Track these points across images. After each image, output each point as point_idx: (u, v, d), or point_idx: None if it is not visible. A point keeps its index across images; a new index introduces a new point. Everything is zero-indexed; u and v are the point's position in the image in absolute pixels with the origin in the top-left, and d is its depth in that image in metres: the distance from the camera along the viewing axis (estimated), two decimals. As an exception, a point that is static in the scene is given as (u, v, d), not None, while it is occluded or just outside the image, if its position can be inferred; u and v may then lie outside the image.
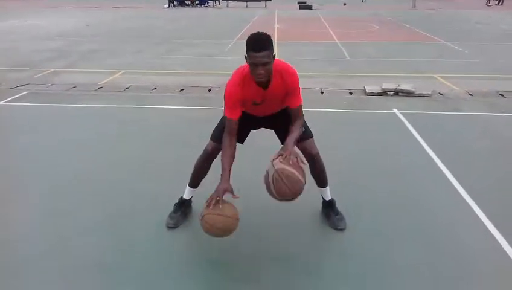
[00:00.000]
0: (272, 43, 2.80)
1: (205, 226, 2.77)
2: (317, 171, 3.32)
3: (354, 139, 5.31)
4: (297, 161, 2.76)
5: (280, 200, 2.78)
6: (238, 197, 2.80)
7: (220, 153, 3.03)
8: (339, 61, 10.62)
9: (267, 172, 2.75)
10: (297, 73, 3.02)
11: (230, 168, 2.90)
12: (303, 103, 3.07)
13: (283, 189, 2.69)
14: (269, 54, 2.76)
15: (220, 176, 2.84)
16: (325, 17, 23.08)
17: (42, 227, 3.43)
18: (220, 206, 2.73)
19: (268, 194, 2.78)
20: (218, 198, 2.73)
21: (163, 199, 3.67)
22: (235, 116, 2.96)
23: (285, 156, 2.75)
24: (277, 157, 2.76)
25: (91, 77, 8.78)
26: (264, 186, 2.78)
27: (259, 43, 2.75)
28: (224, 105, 3.00)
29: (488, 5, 32.31)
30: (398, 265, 2.96)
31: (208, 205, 2.74)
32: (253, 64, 2.77)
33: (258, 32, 2.84)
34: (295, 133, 2.97)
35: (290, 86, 2.97)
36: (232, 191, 2.81)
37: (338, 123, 6.02)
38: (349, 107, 6.70)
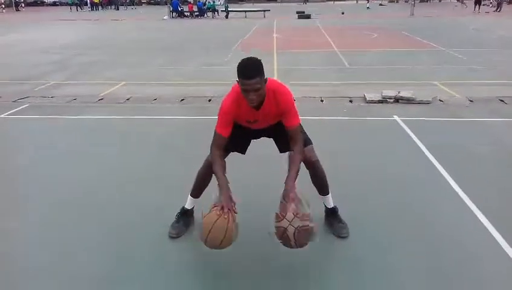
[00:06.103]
0: (262, 68, 2.80)
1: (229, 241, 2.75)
2: (317, 178, 3.32)
3: (355, 147, 5.30)
4: (297, 208, 2.73)
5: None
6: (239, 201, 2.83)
7: (212, 165, 3.02)
8: (338, 70, 10.62)
9: (283, 229, 2.69)
10: (292, 92, 3.04)
11: (225, 175, 2.93)
12: (301, 121, 3.07)
13: (305, 242, 2.74)
14: (260, 80, 2.77)
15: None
16: (323, 26, 23.19)
17: (45, 240, 3.41)
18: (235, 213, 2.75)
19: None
20: (229, 206, 2.74)
21: (165, 209, 3.65)
22: (225, 133, 3.00)
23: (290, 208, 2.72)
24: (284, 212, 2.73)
25: (91, 88, 8.80)
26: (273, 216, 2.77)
27: (249, 70, 2.76)
28: (218, 120, 3.02)
29: (474, 11, 32.20)
30: (401, 273, 2.94)
31: (222, 213, 2.71)
32: (244, 90, 2.79)
33: (248, 57, 2.84)
34: (294, 169, 2.93)
35: (282, 105, 2.97)
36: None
37: (338, 131, 6.02)
38: (350, 114, 6.70)
